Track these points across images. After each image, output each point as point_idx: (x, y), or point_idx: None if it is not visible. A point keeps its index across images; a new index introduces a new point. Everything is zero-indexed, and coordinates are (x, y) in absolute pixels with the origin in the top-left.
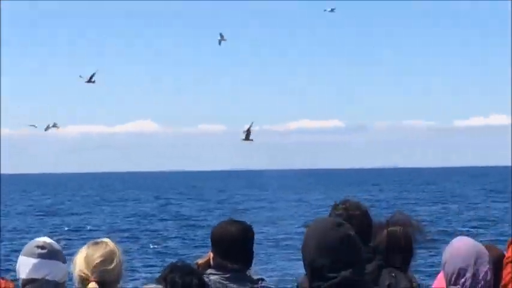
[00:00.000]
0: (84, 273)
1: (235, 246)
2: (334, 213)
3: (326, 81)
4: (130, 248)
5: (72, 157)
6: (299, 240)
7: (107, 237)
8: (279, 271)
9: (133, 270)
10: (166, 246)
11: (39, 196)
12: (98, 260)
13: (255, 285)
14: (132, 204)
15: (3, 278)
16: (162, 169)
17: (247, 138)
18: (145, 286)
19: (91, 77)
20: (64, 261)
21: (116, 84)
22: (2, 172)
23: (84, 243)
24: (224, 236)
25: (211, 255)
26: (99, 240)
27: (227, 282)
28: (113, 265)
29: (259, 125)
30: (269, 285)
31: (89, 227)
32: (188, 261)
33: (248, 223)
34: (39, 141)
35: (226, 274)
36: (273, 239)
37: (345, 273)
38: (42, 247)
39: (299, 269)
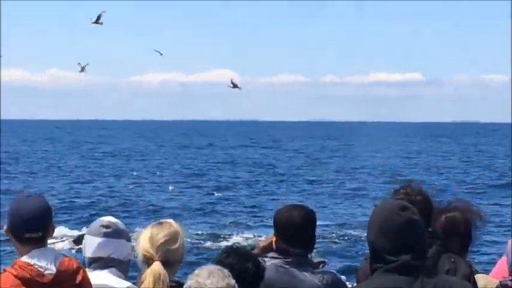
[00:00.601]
0: (148, 252)
1: (299, 231)
2: (395, 198)
3: (404, 35)
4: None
5: (152, 103)
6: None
7: (170, 218)
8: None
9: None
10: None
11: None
12: (162, 240)
13: (316, 270)
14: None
15: (66, 256)
16: (237, 118)
17: (235, 86)
18: (204, 267)
19: (98, 19)
20: (128, 240)
21: (195, 33)
22: (82, 118)
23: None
24: (289, 221)
25: (274, 238)
26: (163, 220)
27: (288, 266)
28: (176, 245)
29: (339, 76)
30: (329, 269)
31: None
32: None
33: (310, 208)
34: (121, 88)
35: (288, 258)
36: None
37: (405, 257)
38: (107, 226)
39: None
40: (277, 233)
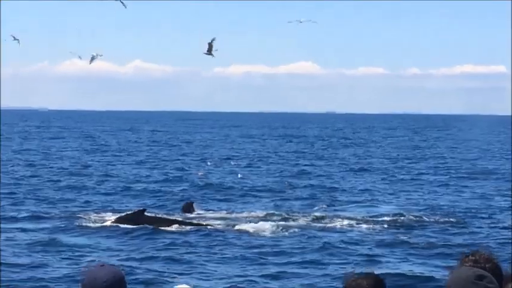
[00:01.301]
0: None
1: None
2: (464, 265)
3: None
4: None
5: (235, 96)
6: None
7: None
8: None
9: None
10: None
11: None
12: None
13: None
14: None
15: None
16: (321, 111)
17: (209, 51)
18: None
19: (91, 59)
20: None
21: (276, 24)
22: (165, 109)
23: None
24: None
25: None
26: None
27: None
28: None
29: (422, 69)
30: None
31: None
32: None
33: (380, 276)
34: (203, 80)
35: None
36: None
37: None
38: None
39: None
40: None
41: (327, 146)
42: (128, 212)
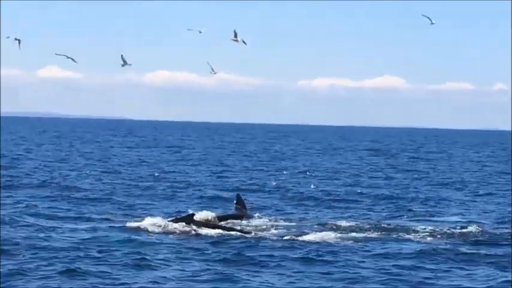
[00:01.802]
0: None
1: None
2: None
3: None
4: None
5: (321, 109)
6: None
7: None
8: None
9: None
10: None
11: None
12: None
13: None
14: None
15: None
16: (408, 125)
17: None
18: None
19: (124, 62)
20: None
21: (363, 38)
22: (250, 122)
23: None
24: None
25: None
26: None
27: None
28: None
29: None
30: None
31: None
32: None
33: None
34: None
35: None
36: None
37: None
38: None
39: None
40: None
41: (408, 159)
42: (178, 216)
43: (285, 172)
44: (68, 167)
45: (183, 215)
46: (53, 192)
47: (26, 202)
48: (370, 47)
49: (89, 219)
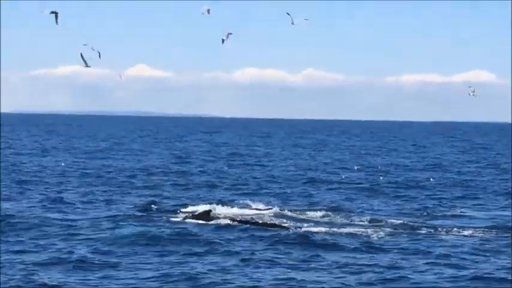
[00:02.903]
0: None
1: None
2: None
3: None
4: None
5: (409, 105)
6: None
7: None
8: None
9: None
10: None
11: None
12: None
13: None
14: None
15: None
16: (501, 120)
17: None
18: None
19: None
20: None
21: (449, 33)
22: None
23: None
24: None
25: None
26: None
27: None
28: None
29: None
30: None
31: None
32: None
33: None
34: (374, 89)
35: None
36: None
37: None
38: None
39: None
40: None
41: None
42: (195, 212)
43: (355, 167)
44: None
45: (200, 211)
46: None
47: None
48: (457, 41)
49: None
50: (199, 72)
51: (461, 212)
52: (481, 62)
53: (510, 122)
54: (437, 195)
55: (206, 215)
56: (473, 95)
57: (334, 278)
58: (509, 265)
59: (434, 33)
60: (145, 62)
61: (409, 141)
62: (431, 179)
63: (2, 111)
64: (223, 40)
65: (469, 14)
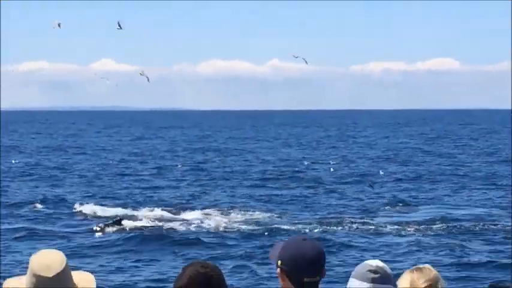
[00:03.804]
0: None
1: None
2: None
3: None
4: None
5: (374, 93)
6: None
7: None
8: None
9: None
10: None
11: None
12: (423, 286)
13: None
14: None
15: None
16: (457, 106)
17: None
18: None
19: (119, 25)
20: (394, 285)
21: (413, 20)
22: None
23: None
24: None
25: None
26: (421, 266)
27: None
28: None
29: None
30: None
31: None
32: None
33: None
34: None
35: None
36: None
37: None
38: (375, 271)
39: None
40: None
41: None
42: (109, 221)
43: (306, 163)
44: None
45: (111, 221)
46: None
47: None
48: (421, 29)
49: None
50: (166, 65)
51: (404, 207)
52: (445, 50)
53: (473, 108)
54: (384, 189)
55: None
56: None
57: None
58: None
59: (401, 22)
60: (111, 56)
61: (368, 130)
62: (380, 172)
63: None
64: (119, 24)
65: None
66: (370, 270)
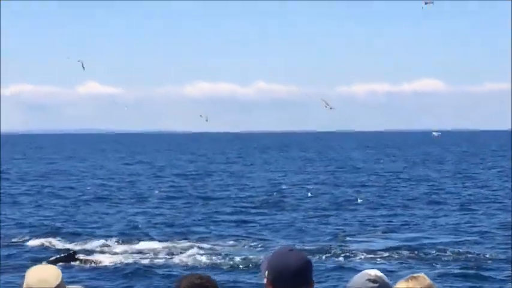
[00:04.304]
0: None
1: None
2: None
3: None
4: None
5: (358, 114)
6: None
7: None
8: None
9: None
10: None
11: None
12: None
13: None
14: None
15: None
16: (444, 128)
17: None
18: None
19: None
20: None
21: (399, 42)
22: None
23: None
24: None
25: None
26: (416, 274)
27: None
28: None
29: None
30: None
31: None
32: None
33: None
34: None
35: None
36: None
37: None
38: (374, 281)
39: None
40: None
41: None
42: (60, 255)
43: (284, 187)
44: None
45: (63, 254)
46: None
47: None
48: (407, 50)
49: None
50: (150, 87)
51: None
52: (429, 70)
53: (456, 129)
54: (360, 215)
55: (71, 258)
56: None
57: None
58: None
59: (383, 42)
60: (95, 78)
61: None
62: (358, 200)
63: None
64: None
65: (417, 21)
66: (369, 280)
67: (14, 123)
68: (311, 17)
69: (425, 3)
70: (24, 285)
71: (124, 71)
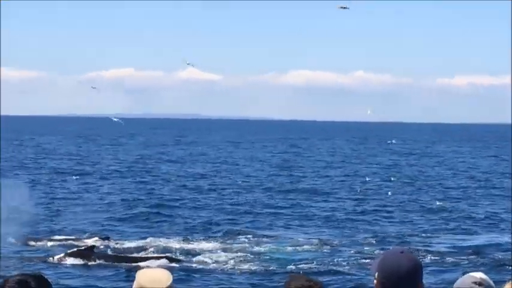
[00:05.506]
0: None
1: None
2: None
3: None
4: None
5: (461, 106)
6: None
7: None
8: None
9: None
10: None
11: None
12: None
13: None
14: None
15: None
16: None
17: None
18: None
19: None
20: None
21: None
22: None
23: None
24: None
25: None
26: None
27: None
28: None
29: None
30: None
31: None
32: None
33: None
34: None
35: None
36: None
37: None
38: (480, 283)
39: None
40: None
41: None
42: (79, 248)
43: (366, 180)
44: None
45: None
46: None
47: None
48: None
49: None
50: (252, 74)
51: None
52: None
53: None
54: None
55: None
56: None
57: None
58: None
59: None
60: (196, 64)
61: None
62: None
63: (56, 113)
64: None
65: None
66: (475, 282)
67: (116, 108)
68: (406, 12)
69: (341, 7)
70: (136, 285)
71: (224, 58)
